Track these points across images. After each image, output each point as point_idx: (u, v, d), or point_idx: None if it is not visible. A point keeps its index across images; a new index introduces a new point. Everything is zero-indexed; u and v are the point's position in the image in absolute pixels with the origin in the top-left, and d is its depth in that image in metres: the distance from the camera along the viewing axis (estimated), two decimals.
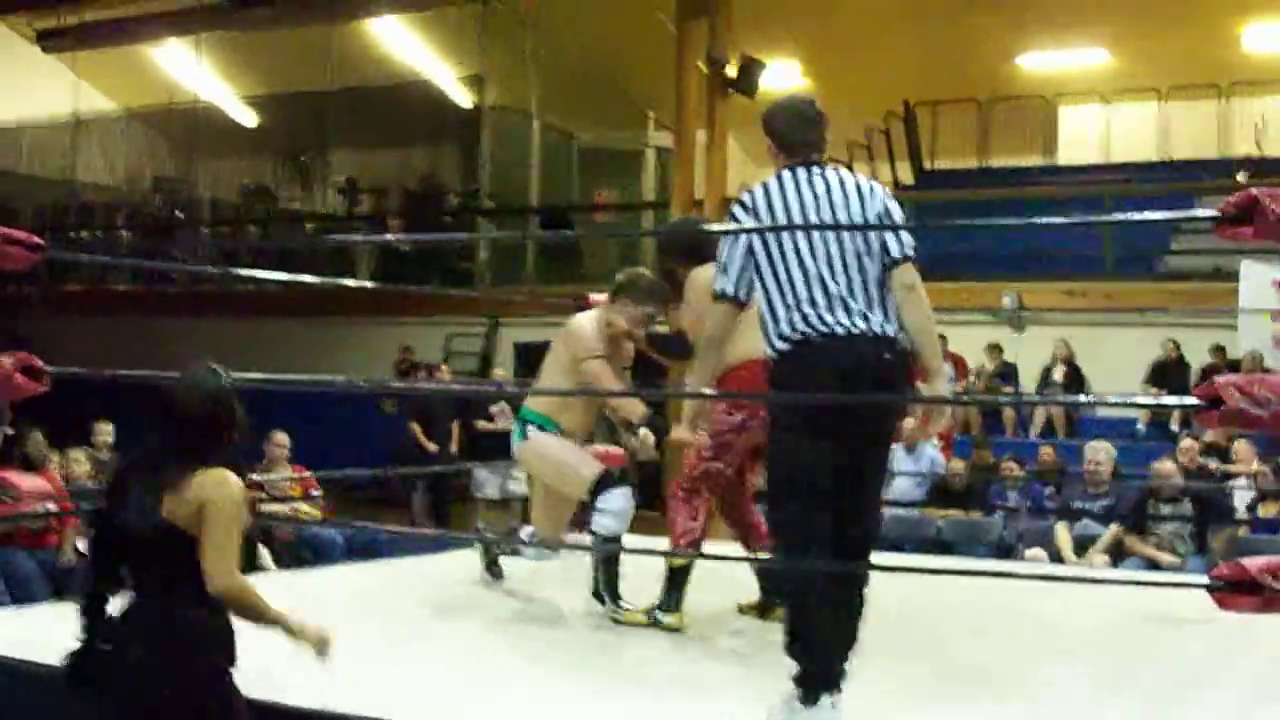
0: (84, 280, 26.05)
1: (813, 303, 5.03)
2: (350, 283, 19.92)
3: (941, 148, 24.35)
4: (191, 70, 27.25)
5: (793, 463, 5.04)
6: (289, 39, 25.23)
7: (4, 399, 6.43)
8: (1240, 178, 19.86)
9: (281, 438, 13.00)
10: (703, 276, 6.74)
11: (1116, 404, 16.04)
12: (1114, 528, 11.90)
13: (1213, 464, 13.97)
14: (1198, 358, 16.99)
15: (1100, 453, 12.28)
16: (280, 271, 17.65)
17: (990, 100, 24.12)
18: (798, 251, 5.11)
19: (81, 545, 10.98)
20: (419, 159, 26.00)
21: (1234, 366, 16.06)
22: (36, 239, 5.61)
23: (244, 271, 20.31)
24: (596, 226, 24.28)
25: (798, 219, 5.16)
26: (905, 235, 5.25)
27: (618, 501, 7.17)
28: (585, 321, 7.49)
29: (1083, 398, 17.55)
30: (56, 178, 28.28)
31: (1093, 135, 24.23)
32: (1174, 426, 16.30)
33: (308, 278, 16.63)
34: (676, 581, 6.97)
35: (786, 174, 5.33)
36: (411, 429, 17.45)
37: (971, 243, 19.43)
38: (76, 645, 4.28)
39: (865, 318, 5.05)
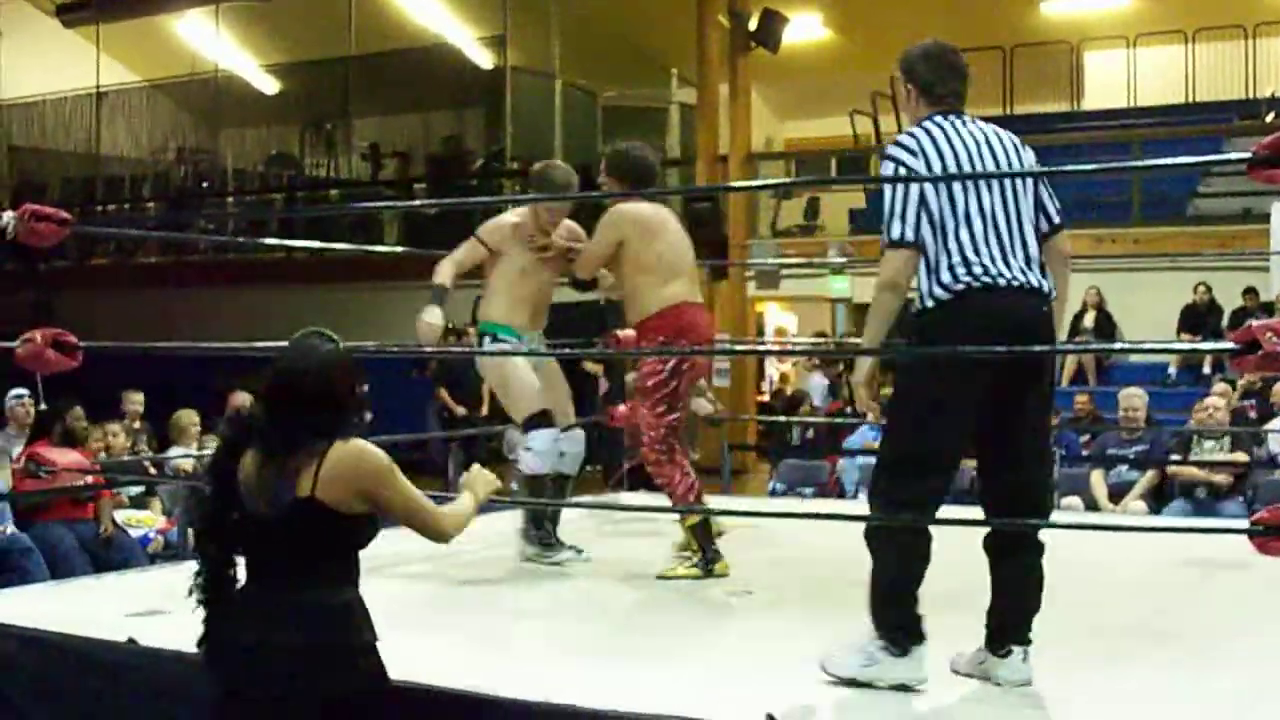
0: (112, 253, 26.15)
1: (987, 252, 4.92)
2: (379, 249, 19.95)
3: (967, 97, 24.21)
4: (212, 40, 27.27)
5: (933, 405, 4.89)
6: (308, 6, 25.23)
7: (38, 373, 6.42)
8: (1268, 118, 19.76)
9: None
10: (619, 211, 7.25)
11: (1152, 349, 16.01)
12: (1150, 473, 11.86)
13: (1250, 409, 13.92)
14: (1230, 301, 16.92)
15: (1135, 399, 12.22)
16: (307, 239, 17.62)
17: (1015, 47, 23.98)
18: (974, 200, 4.99)
19: (120, 517, 11.01)
20: (442, 122, 25.99)
21: (1267, 308, 15.99)
22: (64, 214, 5.61)
23: (271, 240, 20.35)
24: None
25: (966, 168, 5.02)
26: (1057, 200, 5.21)
27: (541, 442, 7.40)
28: (499, 217, 7.77)
29: (1118, 345, 17.47)
30: (82, 151, 28.35)
31: (1118, 80, 24.09)
32: (1206, 370, 16.24)
33: (336, 245, 16.68)
34: (705, 535, 7.07)
35: (943, 120, 5.15)
36: (439, 393, 17.45)
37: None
38: (209, 635, 4.17)
39: (1031, 270, 4.98)
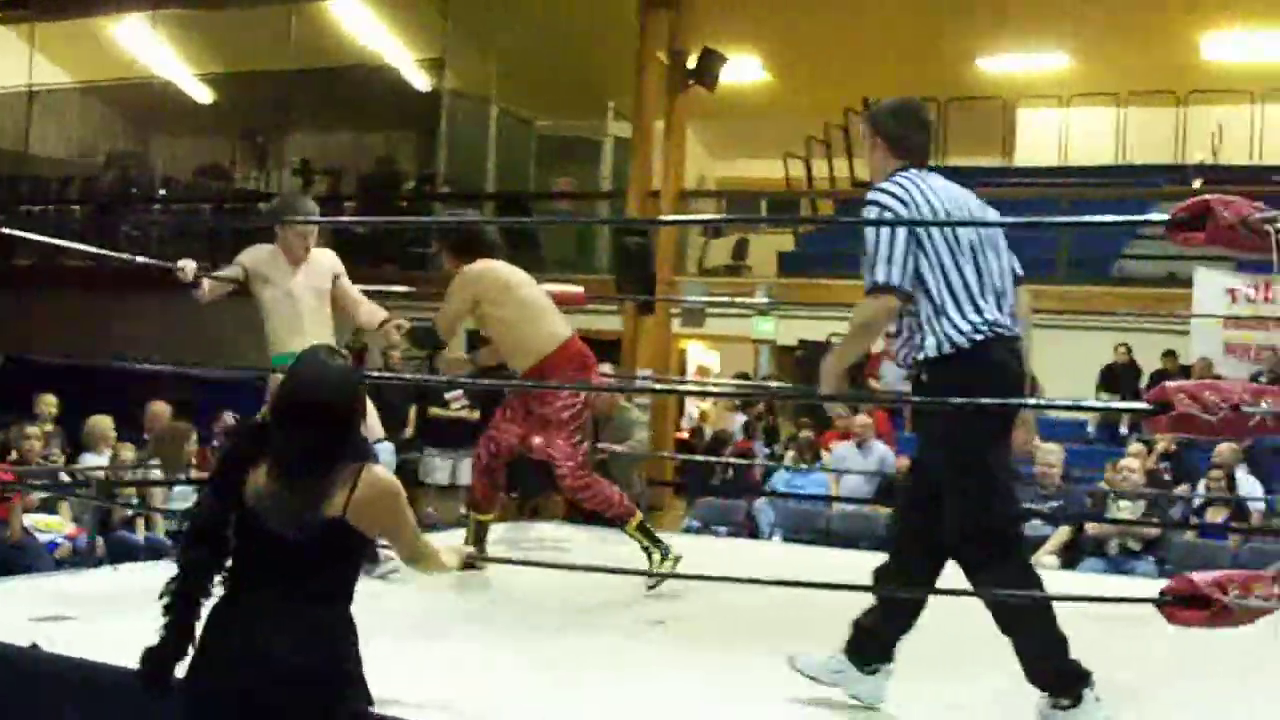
0: (35, 255, 25.90)
1: (991, 303, 5.12)
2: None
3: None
4: (148, 46, 27.06)
5: (989, 465, 5.09)
6: (247, 17, 25.08)
7: None
8: (1195, 184, 19.98)
9: (231, 419, 12.91)
10: (468, 273, 7.85)
11: (1067, 407, 16.07)
12: (1064, 529, 11.93)
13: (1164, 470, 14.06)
14: (1149, 362, 17.06)
15: (1051, 455, 12.28)
16: (235, 251, 17.50)
17: (949, 100, 24.15)
18: (970, 250, 5.17)
19: (28, 521, 10.88)
20: (376, 142, 25.92)
21: (1185, 372, 16.15)
22: None
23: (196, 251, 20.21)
24: (554, 213, 24.26)
25: (953, 217, 5.18)
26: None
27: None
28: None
29: (1033, 400, 17.55)
30: (10, 150, 28.08)
31: (1050, 138, 24.33)
32: (1124, 430, 16.36)
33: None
34: (648, 533, 7.72)
35: (919, 173, 5.29)
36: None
37: None
38: (166, 647, 4.03)
39: (1015, 323, 5.22)
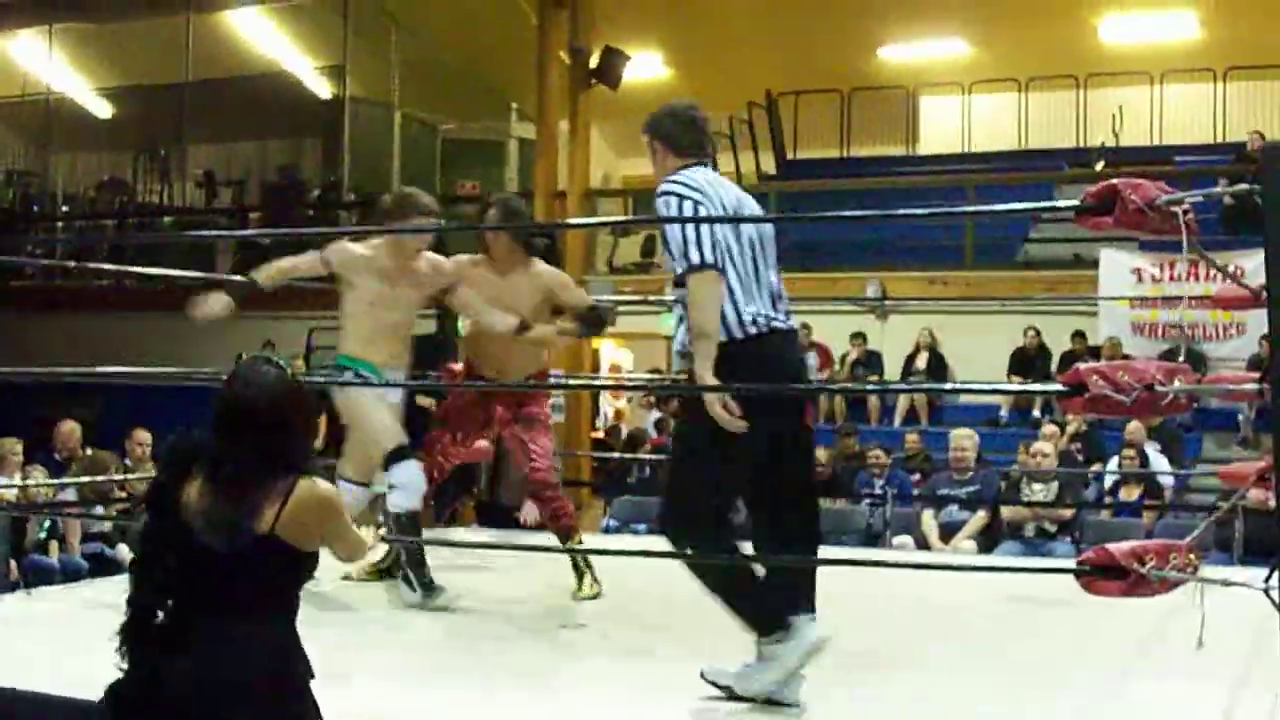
0: None
1: (760, 297, 5.26)
2: (214, 276, 19.68)
3: (804, 138, 24.49)
4: (44, 62, 26.78)
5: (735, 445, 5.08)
6: (144, 30, 24.92)
7: None
8: (1098, 167, 20.16)
9: (144, 436, 12.75)
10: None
11: (983, 390, 16.24)
12: (980, 513, 12.00)
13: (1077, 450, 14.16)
14: (1058, 344, 17.19)
15: (965, 439, 12.35)
16: (139, 266, 17.37)
17: (852, 91, 24.29)
18: (746, 246, 5.31)
19: None
20: (279, 151, 25.79)
21: (1094, 352, 16.29)
22: None
23: (104, 266, 20.01)
24: (460, 217, 24.19)
25: (734, 212, 5.31)
26: None
27: (404, 474, 7.22)
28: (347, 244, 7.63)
29: (949, 385, 17.70)
30: None
31: (953, 126, 24.49)
32: (1036, 413, 16.48)
33: (167, 271, 16.42)
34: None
35: (703, 169, 5.42)
36: None
37: (835, 232, 19.56)
38: (126, 674, 3.88)
39: (788, 314, 5.38)
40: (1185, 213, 3.80)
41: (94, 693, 4.01)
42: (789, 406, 5.35)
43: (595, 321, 8.15)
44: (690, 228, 5.12)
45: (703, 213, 5.18)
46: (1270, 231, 3.60)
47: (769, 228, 5.45)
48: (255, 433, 3.91)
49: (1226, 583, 4.03)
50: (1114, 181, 3.81)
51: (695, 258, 5.09)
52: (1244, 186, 3.79)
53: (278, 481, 3.87)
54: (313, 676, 3.99)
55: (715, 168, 5.55)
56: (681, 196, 5.25)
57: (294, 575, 3.98)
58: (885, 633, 6.20)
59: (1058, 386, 3.98)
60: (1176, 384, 3.86)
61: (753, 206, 5.56)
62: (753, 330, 5.18)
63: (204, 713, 3.81)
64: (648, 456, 16.15)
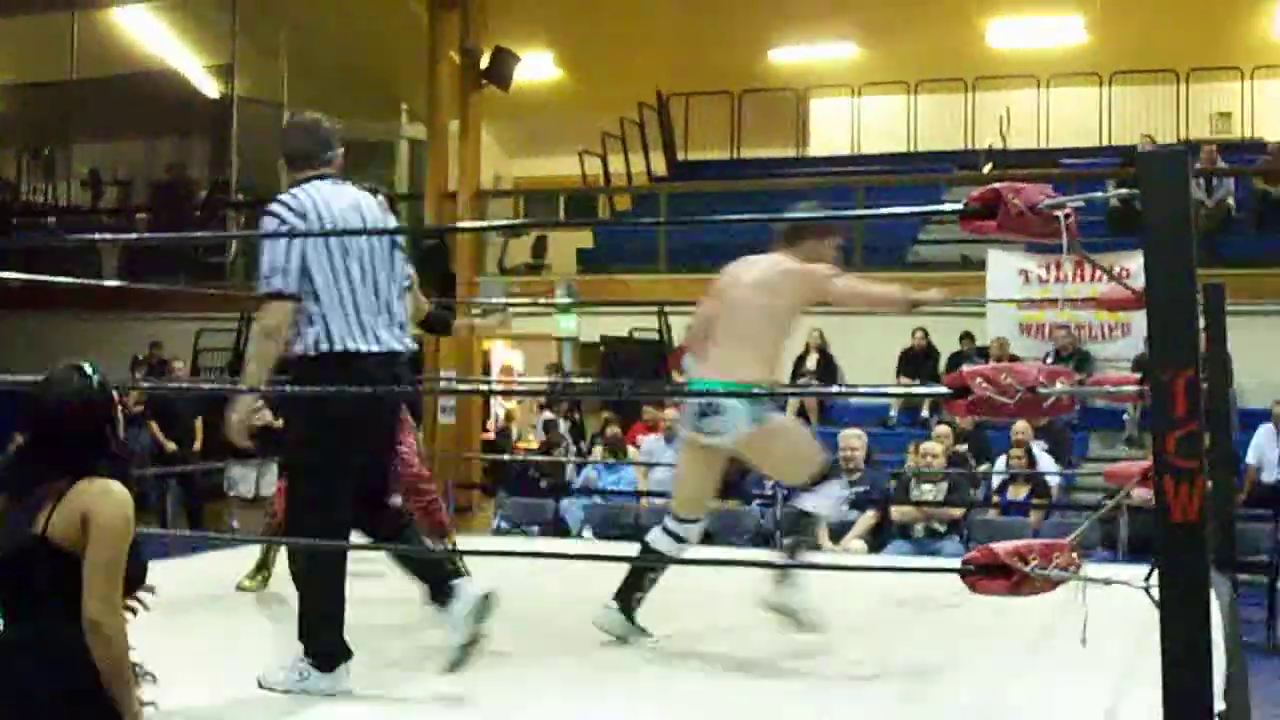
0: None
1: (365, 313, 5.48)
2: (99, 282, 19.49)
3: (695, 139, 24.53)
4: None
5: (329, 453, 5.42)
6: (27, 26, 24.60)
7: None
8: (985, 169, 20.35)
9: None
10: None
11: (868, 393, 16.31)
12: (869, 513, 12.07)
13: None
14: (946, 345, 17.32)
15: (854, 439, 12.38)
16: (22, 267, 17.12)
17: (743, 93, 24.37)
18: (356, 260, 5.50)
19: None
20: (166, 150, 25.56)
21: (982, 353, 16.43)
22: None
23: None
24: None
25: (341, 227, 5.49)
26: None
27: (831, 489, 6.80)
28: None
29: (837, 387, 17.77)
30: None
31: (843, 127, 24.63)
32: (925, 413, 16.59)
33: (52, 278, 16.19)
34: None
35: (319, 182, 5.57)
36: (150, 427, 16.97)
37: (725, 233, 19.62)
38: None
39: (392, 333, 5.59)
40: (1066, 216, 3.84)
41: None
42: (369, 426, 5.59)
43: (438, 325, 8.23)
44: (280, 254, 5.35)
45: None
46: (1148, 235, 3.65)
47: (384, 243, 5.61)
48: (49, 437, 3.92)
49: (1108, 581, 4.07)
50: (996, 186, 3.83)
51: (275, 286, 5.36)
52: (1125, 191, 3.84)
53: (55, 484, 3.83)
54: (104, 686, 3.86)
55: (341, 176, 5.71)
56: (279, 218, 5.44)
57: (78, 579, 3.83)
58: (769, 635, 6.21)
59: (942, 389, 4.01)
60: (1059, 385, 3.90)
61: (375, 218, 5.69)
62: (349, 345, 5.41)
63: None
64: (538, 458, 16.14)
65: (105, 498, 3.84)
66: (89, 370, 4.02)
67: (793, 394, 17.78)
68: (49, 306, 20.94)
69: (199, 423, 17.27)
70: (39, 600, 3.83)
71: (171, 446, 16.83)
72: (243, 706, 5.27)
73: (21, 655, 3.81)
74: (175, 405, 16.99)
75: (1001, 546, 3.98)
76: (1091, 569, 4.24)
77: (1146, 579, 3.86)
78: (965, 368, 4.00)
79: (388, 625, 6.50)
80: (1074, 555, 4.04)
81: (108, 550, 3.84)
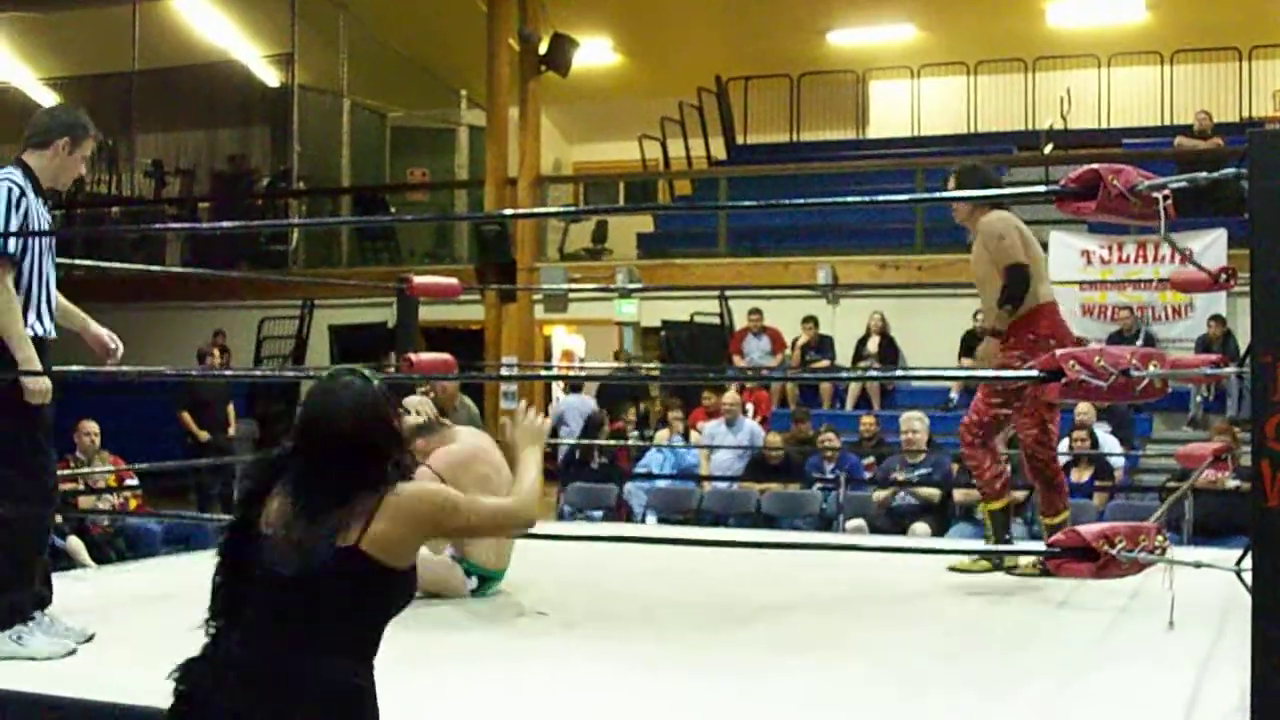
0: None
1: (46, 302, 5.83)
2: (161, 269, 19.64)
3: (754, 122, 24.50)
4: None
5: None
6: (91, 19, 24.73)
7: None
8: (1046, 149, 20.26)
9: (91, 426, 12.66)
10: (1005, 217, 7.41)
11: (953, 377, 16.19)
12: (933, 495, 12.06)
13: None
14: None
15: (915, 421, 12.36)
16: (88, 257, 17.20)
17: (802, 75, 24.30)
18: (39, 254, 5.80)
19: None
20: (227, 140, 25.67)
21: None
22: None
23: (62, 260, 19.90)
24: (410, 205, 24.19)
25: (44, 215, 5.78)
26: None
27: None
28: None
29: (925, 371, 17.63)
30: None
31: (903, 109, 24.53)
32: None
33: (116, 264, 16.32)
34: (1000, 523, 7.22)
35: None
36: (182, 417, 16.73)
37: (786, 217, 19.60)
38: (183, 695, 3.62)
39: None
40: (1166, 198, 3.83)
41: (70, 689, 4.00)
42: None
43: None
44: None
45: (23, 205, 5.62)
46: (1256, 217, 3.62)
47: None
48: (336, 453, 3.71)
49: (1199, 564, 4.05)
50: (1096, 167, 3.81)
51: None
52: (1230, 171, 3.80)
53: (365, 499, 3.65)
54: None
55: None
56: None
57: (377, 603, 3.70)
58: (842, 615, 6.20)
59: (1035, 373, 4.00)
60: (1151, 369, 3.88)
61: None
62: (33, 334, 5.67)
63: None
64: (602, 442, 16.15)
65: (423, 498, 3.77)
66: (368, 374, 3.86)
67: (873, 379, 17.71)
68: (113, 298, 21.06)
69: (230, 410, 17.16)
70: (333, 625, 3.62)
71: (204, 435, 16.59)
72: None
73: (296, 685, 3.57)
74: (205, 395, 16.76)
75: (1087, 529, 3.97)
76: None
77: (1239, 562, 3.84)
78: (1059, 350, 3.98)
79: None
80: (1161, 538, 4.02)
81: (471, 514, 3.90)
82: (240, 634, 3.63)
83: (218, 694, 3.58)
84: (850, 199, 15.98)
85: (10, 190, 5.59)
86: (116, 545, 11.96)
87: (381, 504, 3.63)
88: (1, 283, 5.51)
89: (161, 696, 3.63)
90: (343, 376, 3.84)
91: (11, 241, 5.53)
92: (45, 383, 5.63)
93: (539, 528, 4.17)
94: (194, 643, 3.63)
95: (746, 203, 16.71)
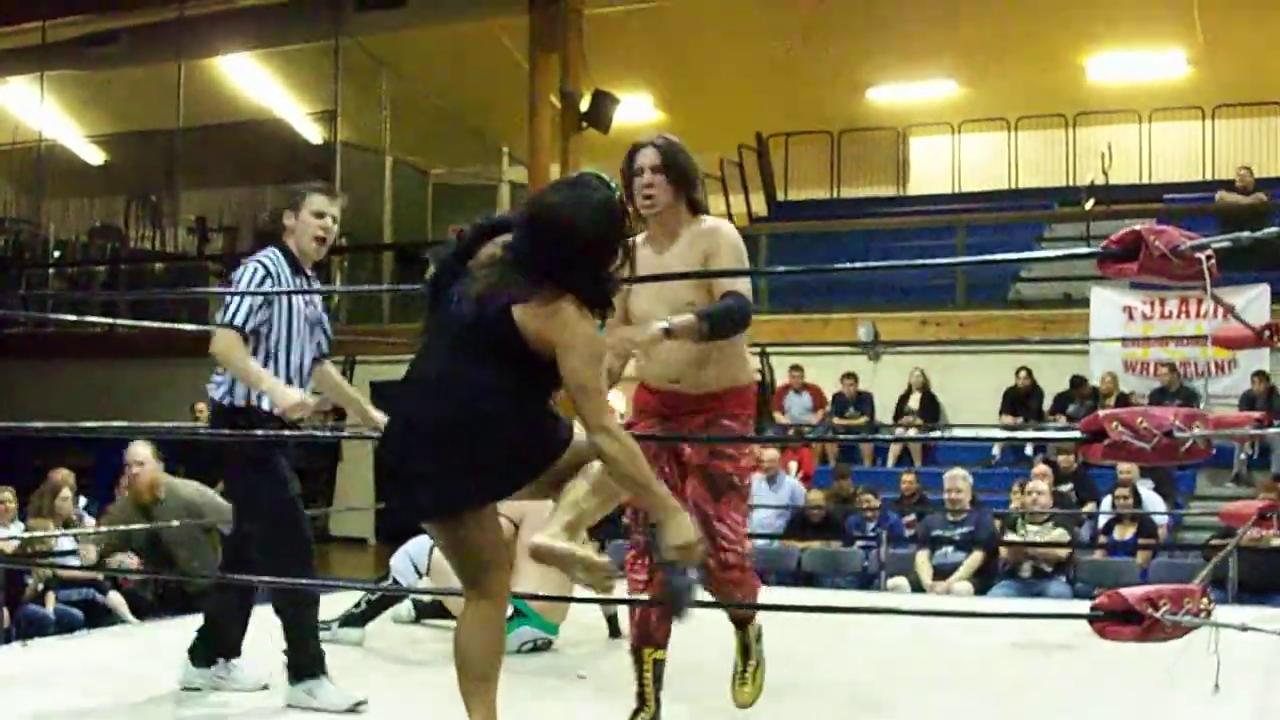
0: None
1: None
2: (199, 327, 19.70)
3: (795, 179, 24.51)
4: (36, 109, 26.77)
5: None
6: (136, 77, 24.92)
7: None
8: (1088, 205, 20.22)
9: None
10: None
11: (1004, 438, 16.15)
12: (976, 554, 11.98)
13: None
14: (1050, 384, 17.19)
15: (958, 479, 12.32)
16: (131, 312, 17.36)
17: (842, 132, 24.33)
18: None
19: None
20: (270, 196, 25.77)
21: (1095, 392, 16.33)
22: None
23: (94, 319, 20.01)
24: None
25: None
26: None
27: None
28: None
29: (967, 430, 17.57)
30: None
31: (943, 165, 24.52)
32: (1028, 451, 16.46)
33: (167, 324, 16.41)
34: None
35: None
36: None
37: (826, 273, 19.59)
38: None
39: None
40: (1209, 258, 3.81)
41: None
42: None
43: None
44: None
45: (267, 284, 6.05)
46: None
47: None
48: (562, 238, 3.93)
49: (1244, 627, 4.01)
50: (1138, 228, 3.80)
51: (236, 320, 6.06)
52: (1274, 230, 3.79)
53: (548, 286, 3.89)
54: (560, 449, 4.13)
55: None
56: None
57: (524, 360, 3.95)
58: (887, 677, 6.15)
59: (1077, 434, 3.97)
60: (1196, 430, 3.85)
61: None
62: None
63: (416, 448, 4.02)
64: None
65: (579, 322, 3.93)
66: (611, 181, 4.06)
67: (919, 440, 17.60)
68: (155, 354, 21.14)
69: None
70: (499, 359, 3.95)
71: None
72: None
73: (474, 388, 3.94)
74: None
75: (1131, 592, 3.93)
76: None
77: None
78: (1101, 411, 3.96)
79: None
80: (1205, 600, 3.99)
81: (593, 375, 3.97)
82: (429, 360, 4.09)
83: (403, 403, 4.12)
84: (891, 263, 15.91)
85: (255, 270, 6.02)
86: (142, 597, 11.82)
87: (555, 303, 3.86)
88: (236, 351, 5.87)
89: None
90: (594, 179, 4.04)
91: (241, 315, 5.88)
92: (296, 394, 5.99)
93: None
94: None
95: (782, 268, 16.64)
